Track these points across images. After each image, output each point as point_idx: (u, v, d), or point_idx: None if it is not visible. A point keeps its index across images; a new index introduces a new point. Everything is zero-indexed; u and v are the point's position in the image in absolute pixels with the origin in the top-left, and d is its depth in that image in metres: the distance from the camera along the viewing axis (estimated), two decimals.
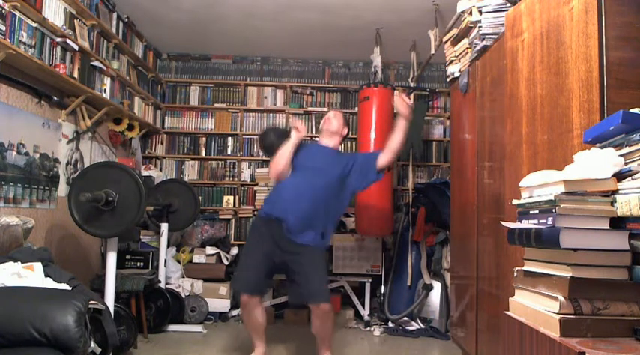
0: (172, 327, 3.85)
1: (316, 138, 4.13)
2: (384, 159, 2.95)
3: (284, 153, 2.95)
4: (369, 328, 4.14)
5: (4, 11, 2.60)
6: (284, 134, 3.20)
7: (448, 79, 3.35)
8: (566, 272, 1.24)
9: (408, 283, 4.27)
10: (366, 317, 4.27)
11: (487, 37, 2.60)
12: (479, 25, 2.65)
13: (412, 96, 4.77)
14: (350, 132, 3.57)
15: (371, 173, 2.98)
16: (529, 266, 1.42)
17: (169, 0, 3.91)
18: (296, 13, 4.04)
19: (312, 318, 2.87)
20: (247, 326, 3.03)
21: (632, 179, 1.24)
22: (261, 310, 2.93)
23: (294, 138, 2.98)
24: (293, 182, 2.93)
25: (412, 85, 4.86)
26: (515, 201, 1.50)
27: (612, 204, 1.25)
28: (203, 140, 5.12)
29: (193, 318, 4.10)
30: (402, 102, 2.85)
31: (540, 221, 1.32)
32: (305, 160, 3.00)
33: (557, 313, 1.23)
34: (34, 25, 2.88)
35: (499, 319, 2.07)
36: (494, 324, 2.42)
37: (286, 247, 2.82)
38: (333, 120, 3.11)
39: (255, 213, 4.80)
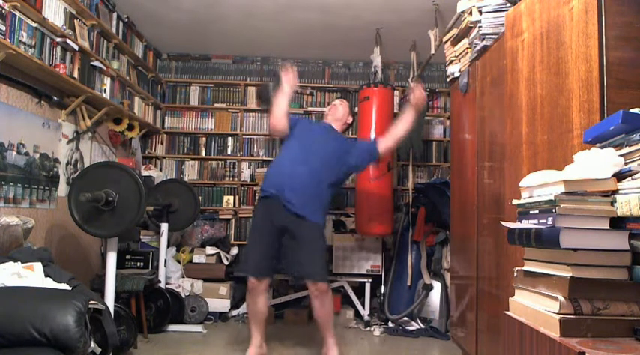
0: (172, 327, 3.85)
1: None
2: (383, 144, 3.04)
3: (280, 104, 2.96)
4: (369, 328, 4.13)
5: (4, 11, 2.60)
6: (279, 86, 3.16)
7: (448, 79, 3.35)
8: (566, 272, 1.24)
9: (408, 283, 4.27)
10: (366, 317, 4.27)
11: (487, 37, 2.60)
12: (479, 25, 2.64)
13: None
14: (351, 130, 3.60)
15: (373, 153, 3.06)
16: (529, 266, 1.42)
17: (169, 0, 3.91)
18: (296, 13, 4.04)
19: (311, 299, 2.91)
20: (249, 314, 3.05)
21: (632, 179, 1.24)
22: (265, 299, 2.96)
23: (287, 87, 2.97)
24: (290, 152, 2.96)
25: (412, 85, 4.85)
26: (515, 201, 1.50)
27: (612, 204, 1.25)
28: (203, 140, 5.12)
29: (193, 318, 4.10)
30: (420, 95, 2.97)
31: (540, 221, 1.32)
32: (304, 132, 3.03)
33: (557, 313, 1.23)
34: (34, 25, 2.88)
35: (499, 319, 2.07)
36: (494, 324, 2.42)
37: (285, 223, 2.84)
38: (340, 107, 3.16)
39: None
